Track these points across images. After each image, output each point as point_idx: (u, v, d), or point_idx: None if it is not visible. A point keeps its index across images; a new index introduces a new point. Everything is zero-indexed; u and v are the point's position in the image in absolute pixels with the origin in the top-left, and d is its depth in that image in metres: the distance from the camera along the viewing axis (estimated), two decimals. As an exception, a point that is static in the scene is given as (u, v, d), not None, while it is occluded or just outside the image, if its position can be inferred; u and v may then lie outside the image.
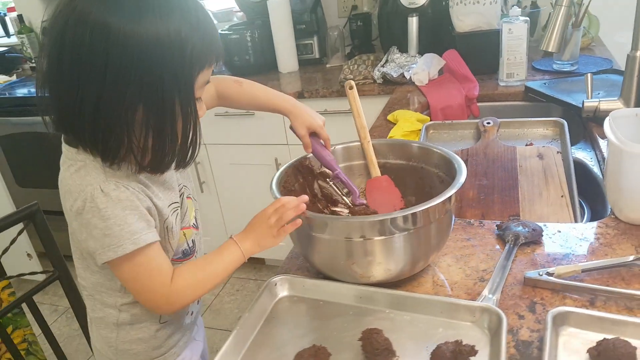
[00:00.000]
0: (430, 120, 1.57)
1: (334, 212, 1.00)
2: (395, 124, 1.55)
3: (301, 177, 0.98)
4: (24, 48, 2.94)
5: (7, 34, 3.14)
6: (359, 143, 1.03)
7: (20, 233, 1.15)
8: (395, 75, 1.90)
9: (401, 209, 0.97)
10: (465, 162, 1.29)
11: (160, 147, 0.70)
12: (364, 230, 0.77)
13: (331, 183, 0.98)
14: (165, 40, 0.64)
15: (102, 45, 0.62)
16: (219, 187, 2.47)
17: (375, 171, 1.00)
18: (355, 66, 2.14)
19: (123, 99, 0.65)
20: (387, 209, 0.96)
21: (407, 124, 1.48)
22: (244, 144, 2.27)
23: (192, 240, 0.90)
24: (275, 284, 0.85)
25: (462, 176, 0.84)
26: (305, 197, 0.80)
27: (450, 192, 0.79)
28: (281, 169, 0.93)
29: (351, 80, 1.01)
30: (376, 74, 1.98)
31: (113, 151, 0.69)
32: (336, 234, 0.79)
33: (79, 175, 0.72)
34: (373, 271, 0.80)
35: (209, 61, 0.71)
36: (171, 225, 0.81)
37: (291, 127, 1.01)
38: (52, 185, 2.48)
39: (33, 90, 2.59)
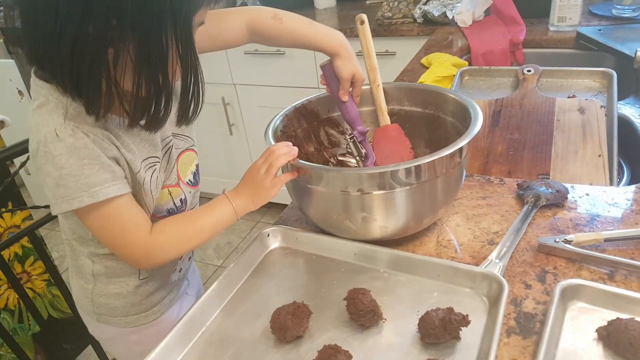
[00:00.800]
0: (470, 66, 1.44)
1: (341, 162, 0.94)
2: (428, 68, 1.44)
3: (305, 122, 0.91)
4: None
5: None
6: (369, 87, 0.94)
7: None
8: (436, 14, 1.76)
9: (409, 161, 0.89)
10: (498, 113, 1.19)
11: (155, 98, 0.62)
12: (362, 183, 0.71)
13: (350, 141, 0.90)
14: None
15: None
16: (248, 130, 2.43)
17: (384, 119, 0.92)
18: (396, 3, 2.00)
19: (110, 32, 0.56)
20: (394, 160, 0.89)
21: (441, 69, 1.37)
22: (274, 86, 2.20)
23: (181, 199, 0.84)
24: (268, 235, 0.81)
25: (477, 126, 0.75)
26: (292, 146, 0.75)
27: (460, 143, 0.71)
28: (280, 113, 0.86)
29: (362, 14, 0.91)
30: (416, 12, 1.84)
31: (96, 98, 0.62)
32: (332, 187, 0.73)
33: (40, 113, 0.66)
34: (369, 228, 0.75)
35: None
36: (143, 180, 0.73)
37: (323, 66, 0.90)
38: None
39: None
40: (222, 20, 0.88)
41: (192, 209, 0.88)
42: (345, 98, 0.89)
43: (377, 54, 1.90)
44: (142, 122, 0.67)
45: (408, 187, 0.71)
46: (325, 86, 0.91)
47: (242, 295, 0.73)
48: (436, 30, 1.76)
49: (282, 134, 0.85)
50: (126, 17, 0.55)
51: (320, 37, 0.88)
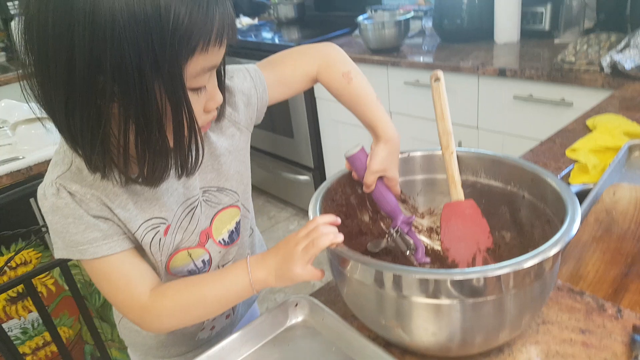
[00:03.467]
0: (652, 137, 1.13)
1: (402, 238, 0.80)
2: (591, 131, 1.17)
3: (360, 188, 0.79)
4: (271, -7, 3.17)
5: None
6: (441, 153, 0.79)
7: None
8: (629, 66, 1.43)
9: (487, 249, 0.71)
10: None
11: (149, 152, 0.58)
12: (400, 285, 0.57)
13: (397, 236, 0.76)
14: (138, 11, 0.50)
15: (66, 24, 0.50)
16: (324, 141, 2.52)
17: (457, 193, 0.75)
18: (585, 47, 1.69)
19: (95, 90, 0.53)
20: (467, 246, 0.72)
21: (605, 137, 1.10)
22: (430, 119, 2.05)
23: (204, 260, 0.78)
24: (296, 305, 0.72)
25: (574, 227, 0.57)
26: (337, 220, 0.64)
27: (550, 251, 0.54)
28: (330, 179, 0.76)
29: (439, 71, 0.76)
30: (605, 60, 1.52)
31: (91, 154, 0.58)
32: (367, 278, 0.60)
33: (53, 159, 0.67)
34: (406, 336, 0.60)
35: (205, 43, 0.55)
36: (141, 241, 0.69)
37: (351, 157, 0.79)
38: (262, 126, 2.66)
39: (269, 36, 2.80)
40: (297, 67, 0.82)
41: (224, 265, 0.82)
42: (367, 190, 0.77)
43: (551, 102, 1.66)
44: (139, 179, 0.62)
45: (460, 302, 0.56)
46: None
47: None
48: (625, 85, 1.43)
49: (332, 202, 0.74)
50: (107, 71, 0.51)
51: (379, 117, 0.79)
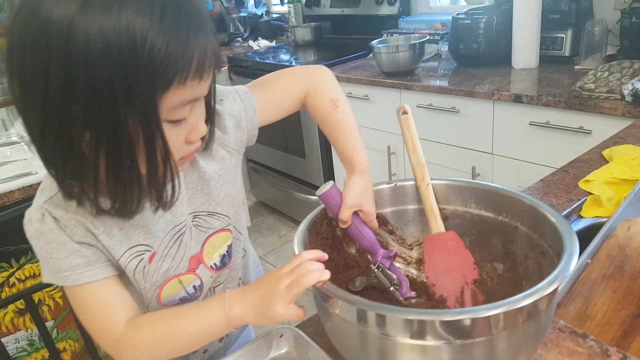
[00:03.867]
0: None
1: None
2: (608, 162, 1.11)
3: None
4: (290, 17, 3.20)
5: (282, 2, 3.46)
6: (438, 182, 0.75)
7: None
8: (650, 94, 1.37)
9: (474, 280, 0.66)
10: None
11: (119, 183, 0.56)
12: (384, 325, 0.53)
13: (379, 272, 0.71)
14: (113, 41, 0.48)
15: (43, 53, 0.49)
16: (336, 163, 2.50)
17: (437, 225, 0.72)
18: (606, 74, 1.64)
19: (68, 117, 0.51)
20: (454, 279, 0.67)
21: (621, 168, 1.04)
22: (442, 143, 2.01)
23: (195, 286, 0.76)
24: (280, 336, 0.68)
25: (571, 264, 0.52)
26: (324, 256, 0.61)
27: (545, 289, 0.50)
28: (315, 211, 0.72)
29: (405, 105, 0.73)
30: (626, 88, 1.47)
31: (66, 185, 0.58)
32: (350, 316, 0.56)
33: (41, 184, 0.66)
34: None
35: (182, 76, 0.52)
36: (125, 268, 0.67)
37: (323, 195, 0.75)
38: (275, 145, 2.71)
39: (286, 57, 2.82)
40: (287, 89, 0.81)
41: (217, 287, 0.80)
42: (343, 226, 0.73)
43: (569, 129, 1.61)
44: (112, 211, 0.60)
45: (448, 343, 0.51)
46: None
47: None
48: (646, 114, 1.37)
49: (318, 236, 0.71)
50: (79, 100, 0.50)
51: (358, 148, 0.78)
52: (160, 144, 0.54)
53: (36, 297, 1.51)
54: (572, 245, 0.55)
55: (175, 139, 0.58)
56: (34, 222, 0.63)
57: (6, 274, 1.50)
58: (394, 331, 0.52)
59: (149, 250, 0.69)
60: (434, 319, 0.50)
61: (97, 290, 0.65)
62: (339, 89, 0.82)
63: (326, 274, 0.58)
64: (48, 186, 0.64)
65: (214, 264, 0.77)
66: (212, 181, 0.74)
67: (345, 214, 0.72)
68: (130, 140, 0.53)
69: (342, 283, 0.73)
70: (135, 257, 0.68)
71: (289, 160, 2.76)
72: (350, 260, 0.76)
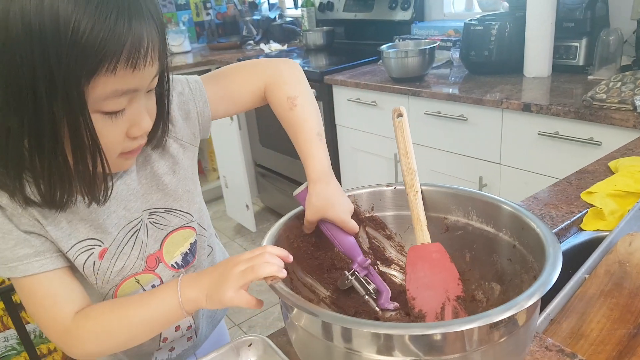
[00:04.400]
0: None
1: (382, 274, 0.73)
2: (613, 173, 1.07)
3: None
4: (303, 20, 3.19)
5: (296, 6, 3.45)
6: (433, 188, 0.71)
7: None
8: (663, 105, 1.32)
9: (457, 297, 0.63)
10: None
11: (45, 173, 0.54)
12: (350, 339, 0.50)
13: (352, 278, 0.68)
14: (34, 22, 0.46)
15: None
16: (343, 168, 2.51)
17: (423, 235, 0.68)
18: (619, 84, 1.59)
19: None
20: (435, 294, 0.64)
21: (626, 180, 1.00)
22: (449, 152, 1.97)
23: (154, 285, 0.73)
24: (250, 345, 0.65)
25: (552, 277, 0.50)
26: (289, 257, 0.58)
27: (522, 303, 0.47)
28: (298, 209, 0.70)
29: (401, 107, 0.70)
30: (638, 99, 1.42)
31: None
32: (314, 330, 0.53)
33: None
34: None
35: (110, 63, 0.49)
36: (73, 262, 0.65)
37: (298, 195, 0.72)
38: (286, 151, 2.68)
39: (297, 61, 2.80)
40: (244, 82, 0.77)
41: None
42: (307, 231, 0.70)
43: (578, 140, 1.56)
44: (41, 201, 0.58)
45: None
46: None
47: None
48: (658, 125, 1.33)
49: (297, 237, 0.68)
50: (1, 84, 0.48)
51: (313, 155, 0.72)
52: (87, 135, 0.52)
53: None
54: (554, 262, 0.52)
55: (112, 132, 0.56)
56: None
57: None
58: (360, 346, 0.49)
59: (99, 245, 0.67)
60: (402, 334, 0.47)
61: (46, 281, 0.62)
62: (303, 86, 0.77)
63: (283, 273, 0.56)
64: None
65: (175, 262, 0.75)
66: (167, 176, 0.72)
67: (306, 227, 0.70)
68: (55, 129, 0.51)
69: (328, 284, 0.71)
70: (84, 251, 0.66)
71: (296, 165, 2.74)
72: (338, 261, 0.73)
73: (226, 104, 0.78)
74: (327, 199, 0.69)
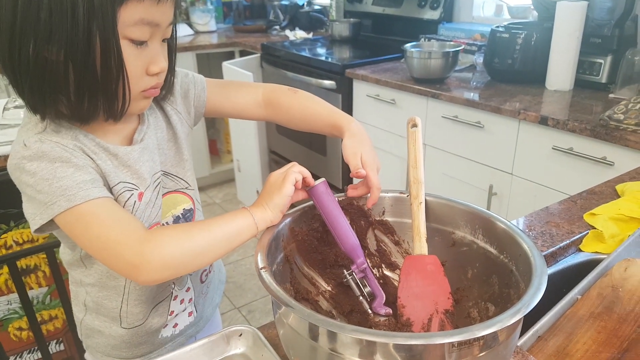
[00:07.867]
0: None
1: (385, 278, 0.75)
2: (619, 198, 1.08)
3: (348, 219, 0.74)
4: (331, 10, 3.19)
5: (326, -6, 3.44)
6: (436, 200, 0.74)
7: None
8: (680, 132, 1.32)
9: (446, 310, 0.65)
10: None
11: (79, 90, 0.61)
12: (335, 342, 0.53)
13: (349, 278, 0.71)
14: None
15: None
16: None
17: (421, 246, 0.70)
18: (638, 105, 1.58)
19: (36, 29, 0.57)
20: (425, 305, 0.66)
21: (632, 205, 1.01)
22: (464, 158, 1.97)
23: None
24: (240, 335, 0.68)
25: (535, 298, 0.52)
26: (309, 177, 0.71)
27: (503, 321, 0.49)
28: (310, 202, 0.72)
29: (417, 117, 0.71)
30: (656, 123, 1.42)
31: (34, 96, 0.62)
32: (301, 329, 0.56)
33: (19, 133, 0.68)
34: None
35: None
36: (116, 199, 0.69)
37: (312, 189, 0.73)
38: (302, 141, 2.66)
39: (321, 51, 2.81)
40: (241, 88, 0.89)
41: None
42: (349, 191, 0.76)
43: (591, 159, 1.56)
44: (70, 114, 0.65)
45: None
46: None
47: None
48: (673, 151, 1.32)
49: (302, 231, 0.71)
50: (44, 8, 0.56)
51: (333, 112, 0.84)
52: (115, 55, 0.60)
53: (32, 262, 1.54)
54: (539, 282, 0.54)
55: (135, 62, 0.63)
56: (32, 145, 0.63)
57: (5, 235, 1.54)
58: (343, 349, 0.52)
59: (136, 190, 0.73)
60: (386, 342, 0.49)
61: (108, 203, 0.63)
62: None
63: (309, 178, 0.70)
64: (32, 126, 0.67)
65: (166, 223, 0.81)
66: (168, 143, 0.81)
67: (357, 163, 0.77)
68: (89, 45, 0.58)
69: (329, 279, 0.73)
70: (127, 190, 0.71)
71: (310, 156, 2.76)
72: (341, 258, 0.75)
73: (222, 99, 0.87)
74: (361, 142, 0.80)
